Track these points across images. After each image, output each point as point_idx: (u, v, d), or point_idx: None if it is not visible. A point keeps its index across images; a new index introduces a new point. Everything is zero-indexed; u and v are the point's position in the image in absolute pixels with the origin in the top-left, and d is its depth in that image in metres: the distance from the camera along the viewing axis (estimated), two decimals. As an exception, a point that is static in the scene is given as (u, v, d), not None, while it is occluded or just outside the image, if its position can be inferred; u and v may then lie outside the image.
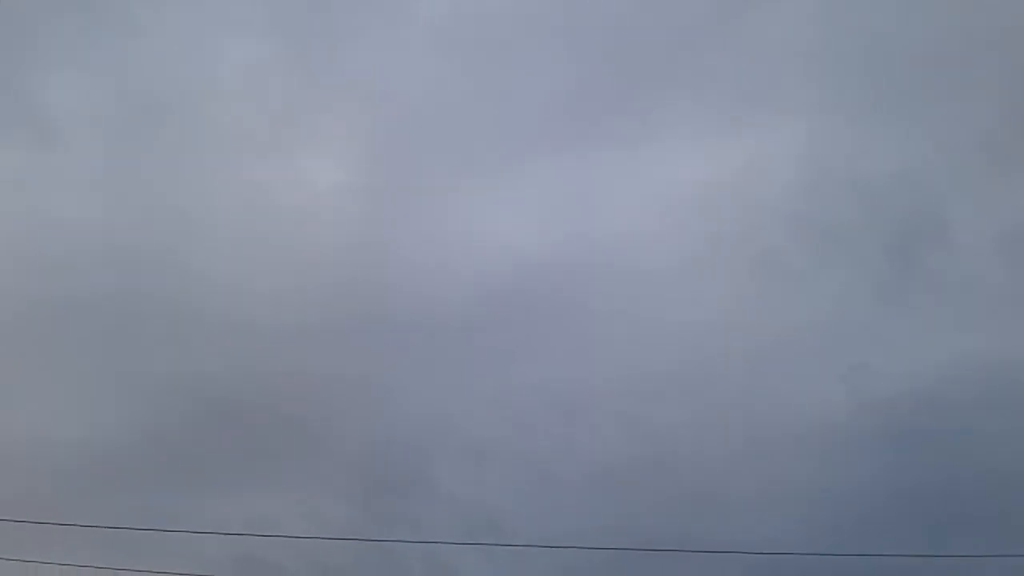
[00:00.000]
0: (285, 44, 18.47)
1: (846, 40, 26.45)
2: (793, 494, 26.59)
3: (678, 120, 25.73)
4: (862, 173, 29.62)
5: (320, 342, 16.78)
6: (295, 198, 18.23)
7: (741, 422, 29.72)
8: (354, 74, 18.97)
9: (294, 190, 18.28)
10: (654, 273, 27.09)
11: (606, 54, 20.32)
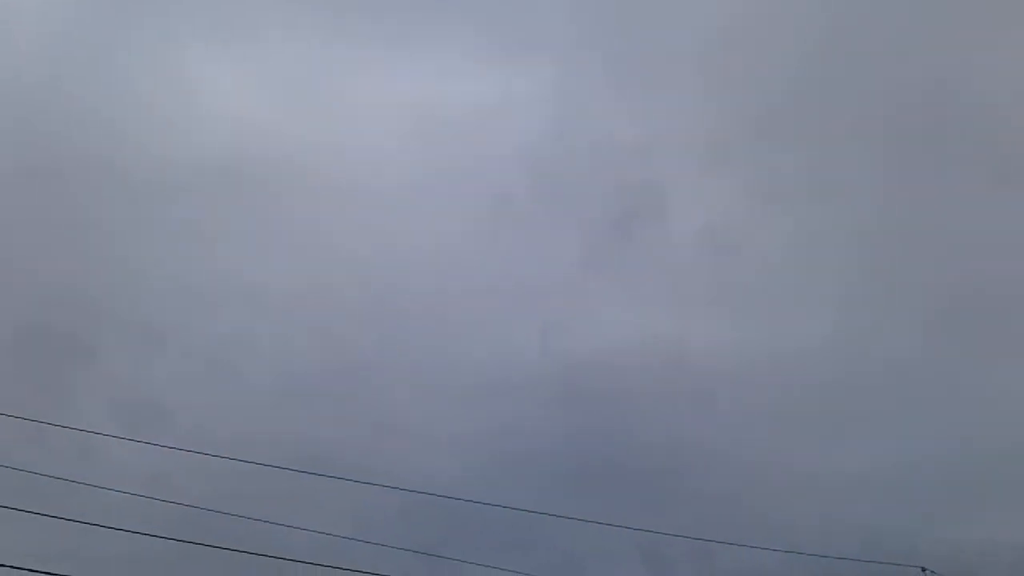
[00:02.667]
0: None
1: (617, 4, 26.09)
2: (472, 438, 26.44)
3: (445, 45, 23.42)
4: (602, 137, 29.89)
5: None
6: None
7: (434, 359, 29.39)
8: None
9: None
10: (383, 192, 26.44)
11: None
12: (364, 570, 8.02)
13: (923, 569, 10.32)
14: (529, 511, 9.97)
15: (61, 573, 6.94)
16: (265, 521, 8.04)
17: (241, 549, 7.30)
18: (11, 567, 7.17)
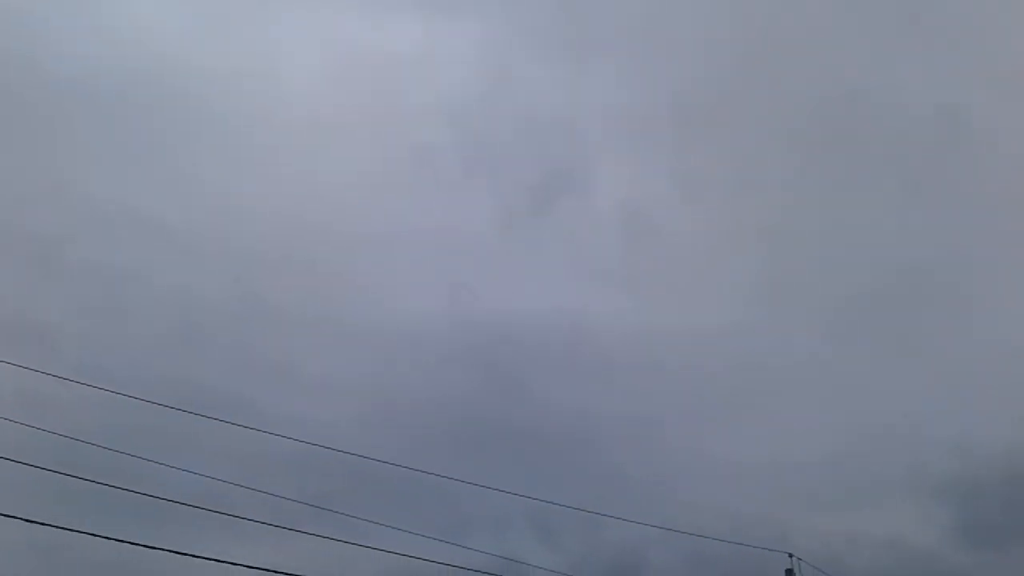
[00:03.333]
0: None
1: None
2: (371, 391, 27.34)
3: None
4: (527, 104, 30.54)
5: None
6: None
7: (338, 307, 30.09)
8: None
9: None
10: (298, 129, 26.36)
11: None
12: (250, 518, 7.93)
13: (790, 555, 10.87)
14: (419, 470, 10.01)
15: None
16: (147, 459, 7.82)
17: (120, 486, 7.09)
18: None
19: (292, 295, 30.01)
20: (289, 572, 7.91)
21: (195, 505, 7.63)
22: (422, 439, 28.55)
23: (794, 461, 28.99)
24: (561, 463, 29.73)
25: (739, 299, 33.06)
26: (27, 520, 6.67)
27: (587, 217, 34.51)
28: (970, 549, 27.26)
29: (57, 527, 6.79)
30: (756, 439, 30.26)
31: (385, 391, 29.62)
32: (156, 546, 7.16)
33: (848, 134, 33.56)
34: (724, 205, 34.72)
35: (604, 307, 34.19)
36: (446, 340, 31.59)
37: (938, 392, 29.26)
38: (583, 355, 33.00)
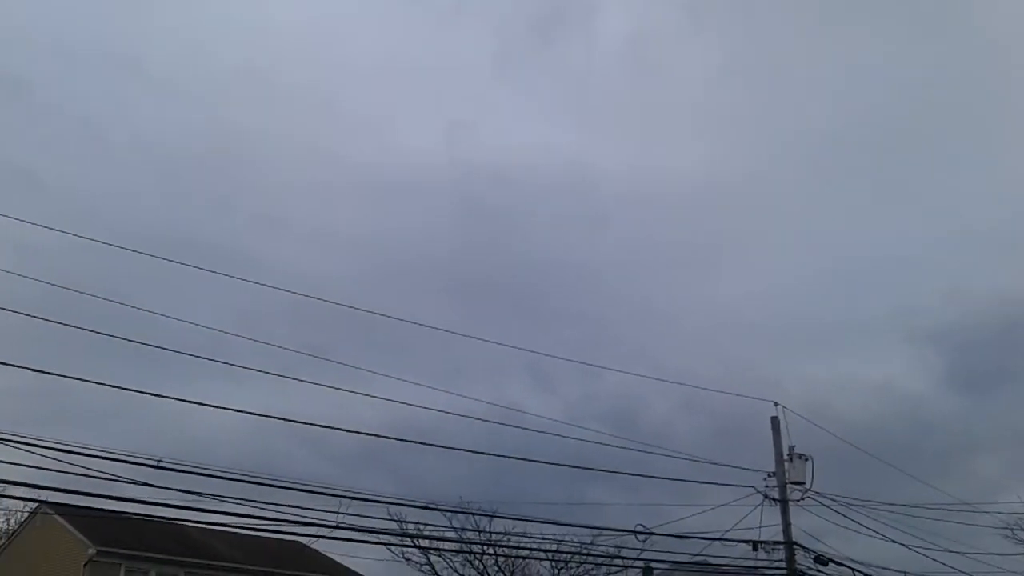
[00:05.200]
0: None
1: None
2: (363, 239, 27.84)
3: None
4: None
5: None
6: None
7: (326, 149, 30.26)
8: None
9: None
10: None
11: None
12: (244, 365, 8.04)
13: (775, 403, 11.18)
14: (414, 322, 10.09)
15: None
16: (137, 308, 7.83)
17: (113, 335, 7.14)
18: None
19: (276, 137, 29.32)
20: (287, 418, 8.12)
21: (196, 355, 7.73)
22: (416, 287, 28.76)
23: (787, 305, 29.38)
24: (556, 312, 30.12)
25: (746, 142, 32.27)
26: (33, 369, 6.75)
27: (592, 51, 33.17)
28: (961, 393, 28.16)
29: (62, 375, 6.88)
30: (744, 285, 30.53)
31: (377, 240, 29.54)
32: (159, 393, 7.30)
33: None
34: (746, 38, 33.29)
35: (604, 151, 33.49)
36: (439, 186, 31.14)
37: (933, 237, 29.31)
38: (579, 202, 32.71)
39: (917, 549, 11.77)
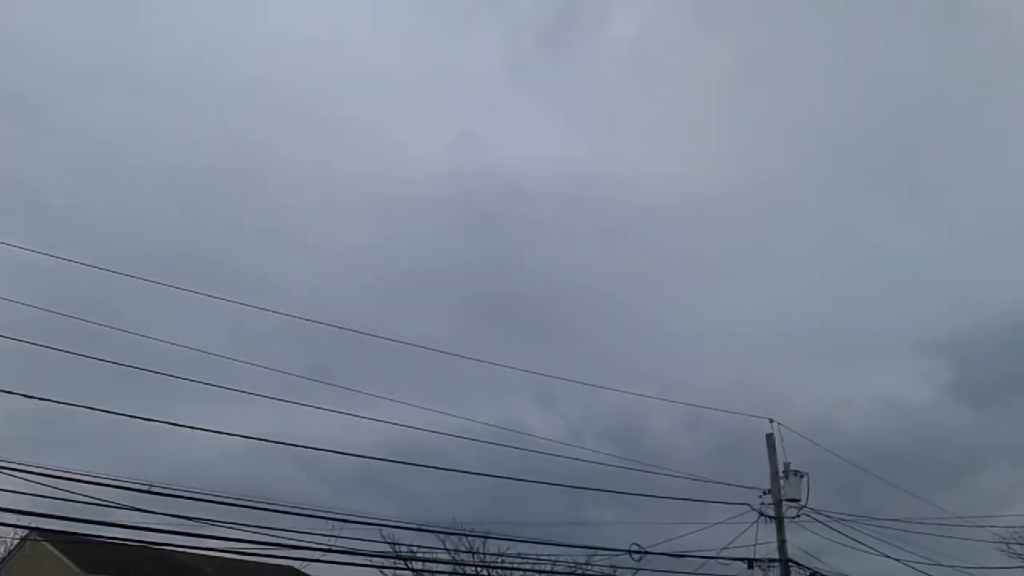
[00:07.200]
0: None
1: None
2: (366, 254, 27.64)
3: None
4: None
5: None
6: None
7: (331, 164, 30.03)
8: None
9: None
10: None
11: None
12: (243, 389, 8.00)
13: (771, 420, 11.18)
14: (417, 345, 10.06)
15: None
16: (129, 332, 7.78)
17: (107, 359, 7.09)
18: None
19: (282, 151, 29.15)
20: (283, 441, 8.06)
21: (191, 379, 7.67)
22: (419, 305, 28.45)
23: (792, 320, 29.10)
24: (561, 330, 29.74)
25: (765, 150, 31.96)
26: (26, 396, 6.68)
27: (605, 55, 32.93)
28: (969, 406, 27.84)
29: (58, 402, 6.81)
30: (759, 291, 30.14)
31: (380, 255, 29.24)
32: (151, 418, 7.24)
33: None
34: (761, 37, 33.12)
35: (616, 160, 33.08)
36: (447, 199, 30.79)
37: (943, 250, 29.04)
38: (589, 215, 32.27)
39: (915, 566, 11.74)
